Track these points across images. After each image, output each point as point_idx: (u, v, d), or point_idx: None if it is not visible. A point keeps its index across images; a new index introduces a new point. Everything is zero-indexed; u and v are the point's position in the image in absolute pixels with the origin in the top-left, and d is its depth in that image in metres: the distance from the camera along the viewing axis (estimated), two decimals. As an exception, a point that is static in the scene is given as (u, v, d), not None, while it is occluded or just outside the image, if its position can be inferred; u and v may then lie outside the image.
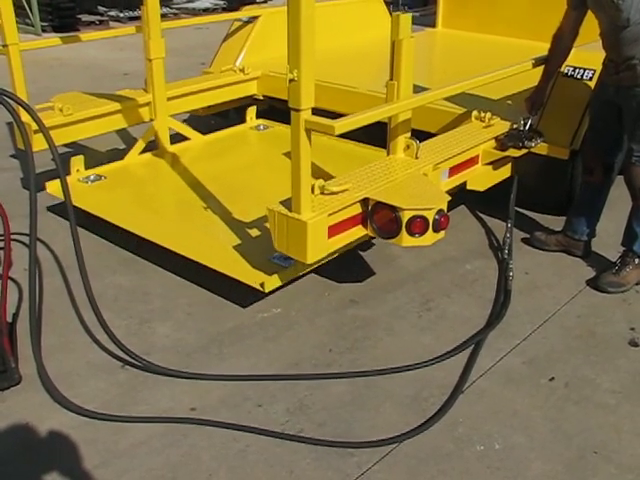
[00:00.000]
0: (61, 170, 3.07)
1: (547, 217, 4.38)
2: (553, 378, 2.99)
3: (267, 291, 3.17)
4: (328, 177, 3.22)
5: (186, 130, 5.00)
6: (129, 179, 4.42)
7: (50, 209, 4.39)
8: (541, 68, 3.94)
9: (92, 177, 4.33)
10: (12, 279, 3.52)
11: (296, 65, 2.60)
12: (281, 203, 3.00)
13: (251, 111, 5.31)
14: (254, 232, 3.56)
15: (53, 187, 4.05)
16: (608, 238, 4.00)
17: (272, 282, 3.17)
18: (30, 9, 10.68)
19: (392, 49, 3.25)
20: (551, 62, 3.90)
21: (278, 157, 4.34)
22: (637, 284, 3.68)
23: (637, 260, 3.65)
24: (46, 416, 2.73)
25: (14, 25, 4.02)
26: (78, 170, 4.32)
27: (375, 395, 2.87)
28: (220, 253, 3.41)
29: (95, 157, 4.81)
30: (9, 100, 2.87)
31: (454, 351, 3.14)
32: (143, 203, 4.07)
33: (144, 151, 4.71)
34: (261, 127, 5.26)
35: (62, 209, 3.31)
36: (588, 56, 3.89)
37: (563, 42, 3.78)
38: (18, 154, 5.40)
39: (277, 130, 5.14)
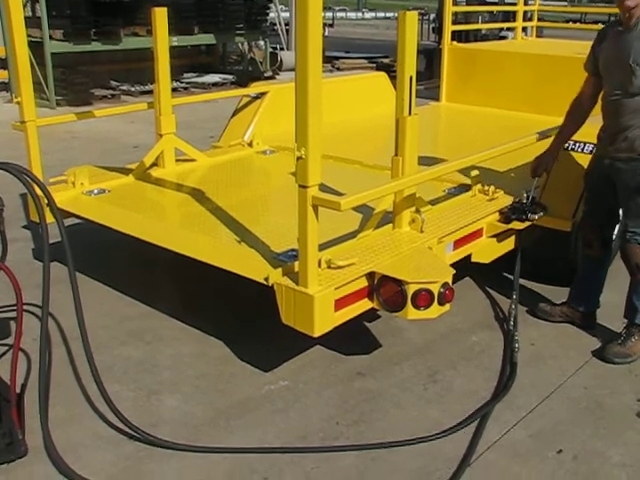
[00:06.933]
0: (68, 250, 3.09)
1: (551, 288, 4.41)
2: (561, 451, 2.98)
3: (270, 284, 3.08)
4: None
5: (192, 151, 5.05)
6: (133, 192, 4.48)
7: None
8: (543, 142, 4.02)
9: (96, 191, 4.41)
10: (21, 349, 3.52)
11: (304, 144, 2.68)
12: (287, 276, 3.04)
13: (257, 135, 5.41)
14: (258, 234, 3.59)
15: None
16: (612, 308, 4.00)
17: (275, 276, 3.08)
18: (46, 85, 11.01)
19: (397, 126, 3.33)
20: (567, 127, 3.90)
21: (283, 177, 4.32)
22: (643, 355, 3.68)
23: (641, 331, 3.66)
24: (52, 490, 2.72)
25: (33, 103, 4.14)
26: (82, 183, 4.40)
27: (382, 469, 2.86)
28: (223, 252, 3.45)
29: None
30: (27, 177, 2.98)
31: (460, 424, 3.13)
32: (146, 211, 4.14)
33: (149, 169, 4.79)
34: (267, 152, 5.36)
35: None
36: (589, 130, 3.96)
37: (582, 107, 3.79)
38: (30, 225, 5.49)
39: (284, 154, 5.19)
